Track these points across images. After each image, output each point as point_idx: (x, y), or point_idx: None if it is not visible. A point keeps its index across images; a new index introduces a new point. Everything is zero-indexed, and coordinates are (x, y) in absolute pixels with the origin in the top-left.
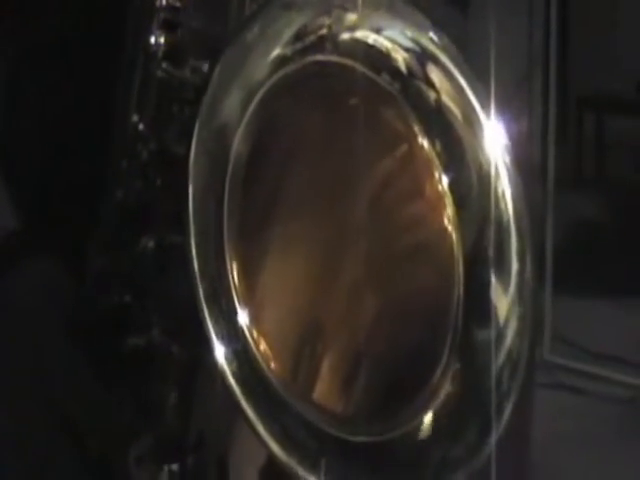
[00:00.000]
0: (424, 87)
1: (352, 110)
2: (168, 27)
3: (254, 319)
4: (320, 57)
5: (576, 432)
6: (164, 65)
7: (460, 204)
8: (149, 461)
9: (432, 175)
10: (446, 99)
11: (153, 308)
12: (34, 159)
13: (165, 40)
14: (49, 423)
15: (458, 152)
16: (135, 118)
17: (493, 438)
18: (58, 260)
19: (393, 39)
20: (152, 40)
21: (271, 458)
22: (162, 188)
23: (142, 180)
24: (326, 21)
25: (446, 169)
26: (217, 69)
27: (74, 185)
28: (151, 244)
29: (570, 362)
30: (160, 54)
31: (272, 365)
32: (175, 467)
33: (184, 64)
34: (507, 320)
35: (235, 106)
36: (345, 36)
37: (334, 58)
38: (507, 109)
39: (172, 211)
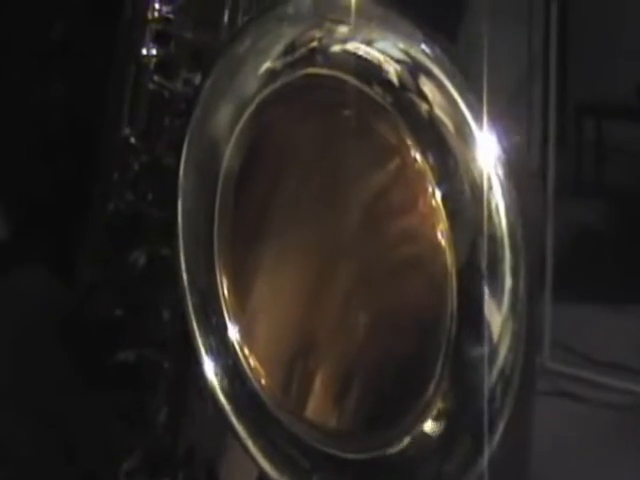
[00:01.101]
0: (416, 99)
1: (344, 123)
2: (160, 39)
3: (245, 334)
4: (311, 70)
5: (576, 439)
6: (156, 77)
7: (453, 218)
8: (139, 476)
9: (425, 189)
10: (438, 111)
11: (144, 322)
12: (25, 169)
13: (157, 52)
14: (38, 436)
15: (451, 165)
16: (126, 130)
17: (485, 456)
18: (49, 272)
19: (385, 51)
20: (144, 52)
21: (262, 475)
22: (153, 201)
23: (133, 192)
24: (317, 34)
25: (439, 183)
26: (208, 82)
27: (65, 196)
28: (142, 257)
29: (570, 369)
30: (152, 66)
31: (263, 381)
32: None
33: (176, 76)
34: (500, 336)
35: (226, 119)
36: (336, 48)
37: (325, 71)
38: (505, 117)
39: (163, 224)
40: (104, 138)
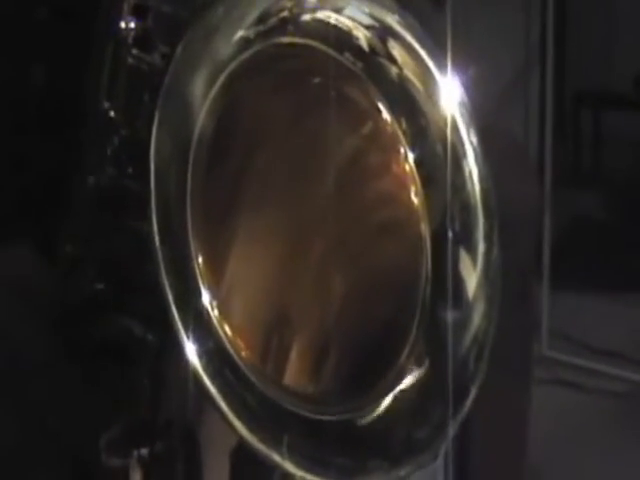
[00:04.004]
0: (386, 63)
1: (316, 90)
2: (138, 13)
3: (222, 308)
4: (283, 39)
5: (574, 427)
6: (134, 51)
7: (427, 181)
8: (119, 446)
9: (398, 152)
10: (408, 73)
11: (127, 296)
12: (5, 145)
13: (135, 26)
14: (22, 410)
15: (423, 128)
16: (106, 105)
17: (449, 422)
18: (31, 247)
19: (354, 18)
20: (122, 26)
21: (239, 440)
22: (134, 175)
23: (114, 167)
24: (287, 3)
25: (412, 146)
26: (180, 49)
27: (46, 172)
28: (124, 232)
29: (568, 357)
30: (130, 40)
31: (242, 353)
32: (145, 452)
33: (154, 50)
34: (474, 300)
35: (199, 87)
36: (306, 17)
37: (297, 40)
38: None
39: (143, 197)
40: (84, 113)
